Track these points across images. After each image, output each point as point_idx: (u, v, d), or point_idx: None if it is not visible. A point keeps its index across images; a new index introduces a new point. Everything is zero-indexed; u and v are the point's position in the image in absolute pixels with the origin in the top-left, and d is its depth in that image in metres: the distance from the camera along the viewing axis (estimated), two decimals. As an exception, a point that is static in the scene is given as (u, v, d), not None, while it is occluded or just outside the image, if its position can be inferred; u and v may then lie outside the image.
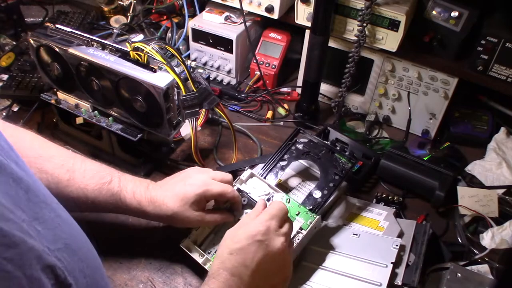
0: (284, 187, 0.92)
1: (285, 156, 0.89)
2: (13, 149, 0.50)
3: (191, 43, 1.25)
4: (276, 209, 0.72)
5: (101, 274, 0.56)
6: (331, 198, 0.85)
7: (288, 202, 0.80)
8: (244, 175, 0.84)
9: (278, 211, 0.72)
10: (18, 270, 0.37)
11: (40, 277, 0.40)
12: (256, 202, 0.79)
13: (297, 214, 0.79)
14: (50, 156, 0.76)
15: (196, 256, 0.78)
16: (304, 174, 0.94)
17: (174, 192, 0.76)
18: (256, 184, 0.83)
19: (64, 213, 0.54)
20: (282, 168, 0.88)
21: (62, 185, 0.74)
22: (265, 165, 0.88)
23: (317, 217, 0.78)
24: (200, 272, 0.79)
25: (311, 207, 0.80)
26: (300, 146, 0.90)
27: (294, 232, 0.76)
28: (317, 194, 0.83)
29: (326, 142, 0.93)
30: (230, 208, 0.81)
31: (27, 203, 0.46)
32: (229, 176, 0.81)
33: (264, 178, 0.86)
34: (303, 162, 0.94)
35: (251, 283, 0.65)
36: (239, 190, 0.82)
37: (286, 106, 1.19)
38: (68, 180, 0.74)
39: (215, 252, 0.78)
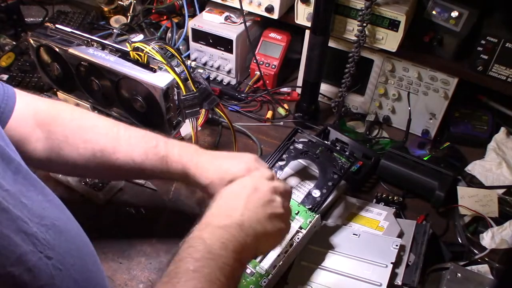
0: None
1: (284, 156, 0.89)
2: (4, 136, 0.51)
3: (191, 43, 1.25)
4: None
5: (92, 261, 0.57)
6: (331, 197, 0.85)
7: None
8: None
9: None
10: None
11: (12, 237, 0.41)
12: None
13: (297, 214, 0.79)
14: (92, 125, 0.74)
15: None
16: (303, 174, 0.94)
17: (220, 163, 0.73)
18: None
19: (57, 201, 0.54)
20: (281, 168, 0.88)
21: (107, 153, 0.72)
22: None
23: (317, 216, 0.78)
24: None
25: (310, 206, 0.80)
26: (298, 146, 0.90)
27: (293, 232, 0.76)
28: (316, 193, 0.83)
29: (324, 141, 0.93)
30: None
31: (13, 182, 0.46)
32: (272, 175, 0.75)
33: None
34: (302, 162, 0.94)
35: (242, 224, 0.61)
36: None
37: (286, 106, 1.19)
38: (114, 148, 0.73)
39: None
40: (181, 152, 0.74)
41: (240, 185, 0.67)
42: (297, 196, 0.88)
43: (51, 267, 0.45)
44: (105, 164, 0.73)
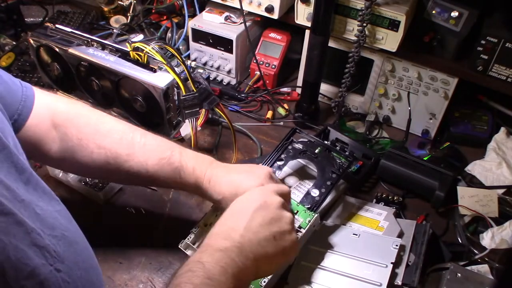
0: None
1: (282, 156, 0.89)
2: (18, 144, 0.51)
3: (191, 43, 1.25)
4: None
5: (96, 274, 0.56)
6: (329, 196, 0.85)
7: None
8: None
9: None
10: (3, 235, 0.39)
11: (26, 250, 0.41)
12: None
13: (296, 213, 0.78)
14: (108, 130, 0.73)
15: None
16: (302, 173, 0.94)
17: (232, 179, 0.73)
18: None
19: (65, 211, 0.54)
20: (280, 168, 0.88)
21: (121, 160, 0.72)
22: (262, 165, 0.88)
23: (316, 215, 0.78)
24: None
25: (309, 206, 0.80)
26: (296, 146, 0.90)
27: None
28: (315, 193, 0.83)
29: (322, 141, 0.93)
30: None
31: (25, 192, 0.46)
32: (287, 191, 0.75)
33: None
34: (300, 161, 0.94)
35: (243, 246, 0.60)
36: None
37: (286, 106, 1.19)
38: (128, 155, 0.72)
39: None
40: (195, 165, 0.74)
41: (248, 199, 0.67)
42: (297, 196, 0.88)
43: (60, 280, 0.45)
44: (118, 170, 0.73)
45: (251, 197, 0.67)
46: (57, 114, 0.72)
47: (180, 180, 0.74)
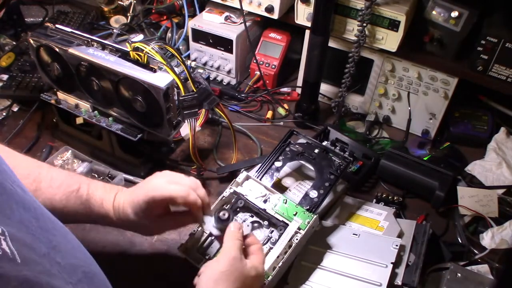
0: (281, 187, 0.92)
1: (280, 158, 0.89)
2: (13, 172, 0.48)
3: (191, 43, 1.25)
4: (230, 240, 0.68)
5: None
6: (328, 197, 0.85)
7: (285, 203, 0.80)
8: (240, 177, 0.83)
9: (233, 241, 0.68)
10: None
11: None
12: (253, 204, 0.79)
13: (295, 215, 0.79)
14: (14, 166, 0.66)
15: (194, 260, 0.78)
16: (300, 175, 0.94)
17: (131, 199, 0.71)
18: (252, 186, 0.83)
19: (70, 234, 0.52)
20: (278, 170, 0.88)
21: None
22: (260, 167, 0.88)
23: (315, 216, 0.78)
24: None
25: (308, 207, 0.80)
26: (294, 148, 0.90)
27: (292, 233, 0.76)
28: (313, 194, 0.83)
29: (320, 142, 0.93)
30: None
31: (40, 231, 0.44)
32: (185, 180, 0.73)
33: (260, 180, 0.86)
34: (298, 163, 0.94)
35: None
36: (235, 192, 0.82)
37: (286, 106, 1.19)
38: (35, 191, 0.69)
39: (213, 256, 0.78)
40: (103, 197, 0.73)
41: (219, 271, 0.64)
42: (297, 196, 0.88)
43: None
44: None
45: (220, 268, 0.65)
46: None
47: (91, 213, 0.72)
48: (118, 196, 0.73)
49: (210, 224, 0.73)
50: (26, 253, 0.39)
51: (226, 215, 0.71)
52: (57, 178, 0.72)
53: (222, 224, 0.71)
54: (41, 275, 0.39)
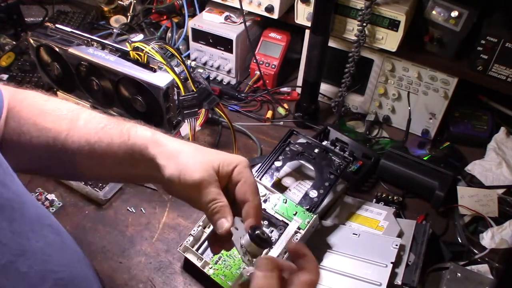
0: (280, 187, 0.92)
1: (280, 157, 0.89)
2: (0, 165, 0.44)
3: (191, 43, 1.25)
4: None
5: None
6: (328, 197, 0.85)
7: (285, 203, 0.80)
8: None
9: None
10: None
11: None
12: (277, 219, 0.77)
13: (295, 214, 0.79)
14: (53, 109, 0.62)
15: (195, 260, 0.78)
16: (300, 175, 0.94)
17: (207, 157, 0.57)
18: None
19: (58, 236, 0.48)
20: (277, 170, 0.88)
21: (61, 137, 0.60)
22: (260, 167, 0.88)
23: (315, 216, 0.78)
24: (200, 272, 0.79)
25: (308, 207, 0.80)
26: (294, 147, 0.90)
27: (292, 233, 0.76)
28: (313, 194, 0.83)
29: (320, 142, 0.93)
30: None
31: (11, 236, 0.40)
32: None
33: (260, 179, 0.86)
34: (298, 163, 0.94)
35: None
36: None
37: (286, 106, 1.19)
38: (69, 129, 0.60)
39: (213, 256, 0.78)
40: (153, 134, 0.60)
41: None
42: (297, 195, 0.88)
43: None
44: (61, 151, 0.60)
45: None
46: (10, 101, 0.61)
47: (133, 152, 0.58)
48: (178, 139, 0.61)
49: (238, 235, 0.53)
50: None
51: (265, 236, 0.52)
52: (95, 116, 0.62)
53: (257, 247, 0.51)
54: None
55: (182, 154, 0.57)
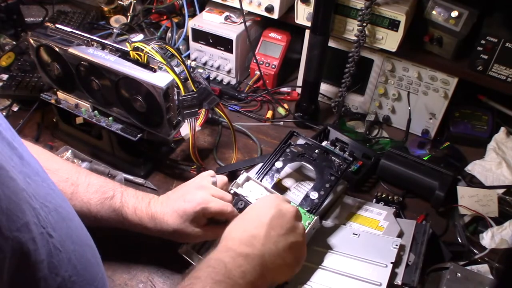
0: (281, 188, 0.92)
1: (280, 159, 0.89)
2: (11, 128, 0.49)
3: (191, 43, 1.25)
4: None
5: (92, 253, 0.57)
6: (329, 198, 0.85)
7: None
8: (240, 178, 0.83)
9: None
10: None
11: (19, 203, 0.40)
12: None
13: None
14: (56, 169, 0.76)
15: (195, 261, 0.78)
16: (301, 176, 0.94)
17: (173, 209, 0.75)
18: (253, 187, 0.83)
19: (60, 193, 0.54)
20: (278, 171, 0.88)
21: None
22: (260, 168, 0.88)
23: (315, 218, 0.78)
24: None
25: (308, 208, 0.80)
26: (294, 149, 0.90)
27: None
28: (314, 195, 0.83)
29: (320, 143, 0.93)
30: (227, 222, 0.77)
31: (21, 167, 0.45)
32: (228, 196, 0.79)
33: (260, 181, 0.85)
34: (299, 163, 0.94)
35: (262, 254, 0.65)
36: (235, 194, 0.82)
37: (286, 106, 1.19)
38: (72, 194, 0.75)
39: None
40: (136, 205, 0.77)
41: (262, 206, 0.71)
42: (298, 196, 0.88)
43: (51, 245, 0.45)
44: None
45: (265, 204, 0.72)
46: None
47: (123, 220, 0.77)
48: (152, 204, 0.77)
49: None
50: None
51: (243, 205, 0.79)
52: (94, 184, 0.77)
53: None
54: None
55: (161, 217, 0.75)
